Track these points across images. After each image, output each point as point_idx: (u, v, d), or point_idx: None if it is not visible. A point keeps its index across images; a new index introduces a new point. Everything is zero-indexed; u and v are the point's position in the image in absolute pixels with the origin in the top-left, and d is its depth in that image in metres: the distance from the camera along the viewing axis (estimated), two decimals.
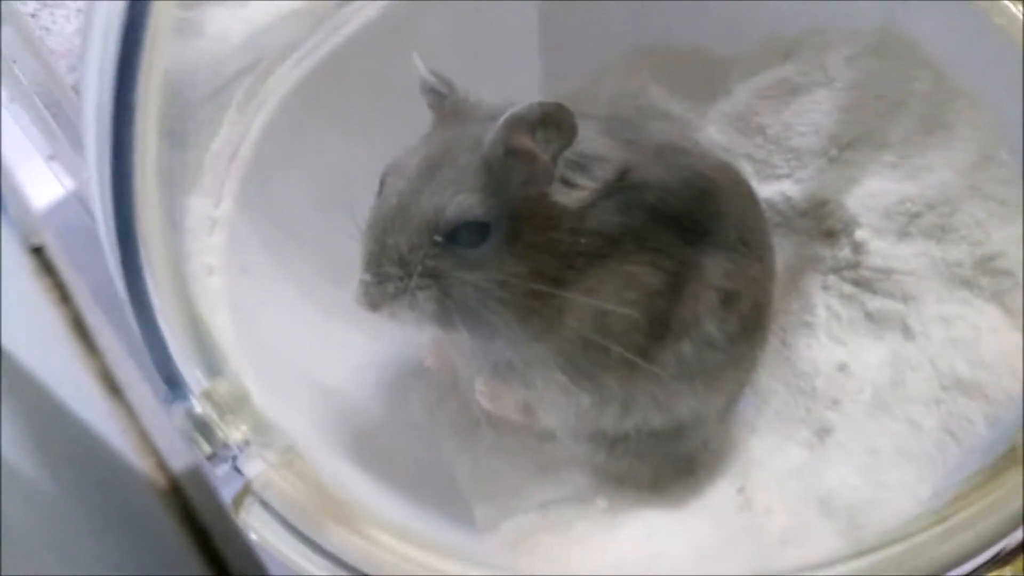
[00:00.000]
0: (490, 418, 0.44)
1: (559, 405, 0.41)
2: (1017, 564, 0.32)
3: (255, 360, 0.38)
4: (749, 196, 0.45)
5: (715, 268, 0.40)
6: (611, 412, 0.41)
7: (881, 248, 0.47)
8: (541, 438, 0.45)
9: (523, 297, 0.36)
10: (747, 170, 0.52)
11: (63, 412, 0.50)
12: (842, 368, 0.45)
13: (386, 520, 0.33)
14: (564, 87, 0.54)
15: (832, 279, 0.48)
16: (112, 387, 0.57)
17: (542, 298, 0.37)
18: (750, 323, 0.42)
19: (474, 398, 0.43)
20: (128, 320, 0.33)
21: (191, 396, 0.33)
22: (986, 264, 0.44)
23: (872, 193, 0.48)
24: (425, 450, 0.47)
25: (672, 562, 0.41)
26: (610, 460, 0.44)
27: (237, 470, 0.34)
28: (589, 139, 0.38)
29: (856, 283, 0.47)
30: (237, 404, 0.33)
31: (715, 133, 0.53)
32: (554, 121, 0.35)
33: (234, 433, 0.33)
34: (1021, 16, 0.43)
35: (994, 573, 0.31)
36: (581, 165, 0.37)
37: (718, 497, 0.43)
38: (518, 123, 0.35)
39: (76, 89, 0.53)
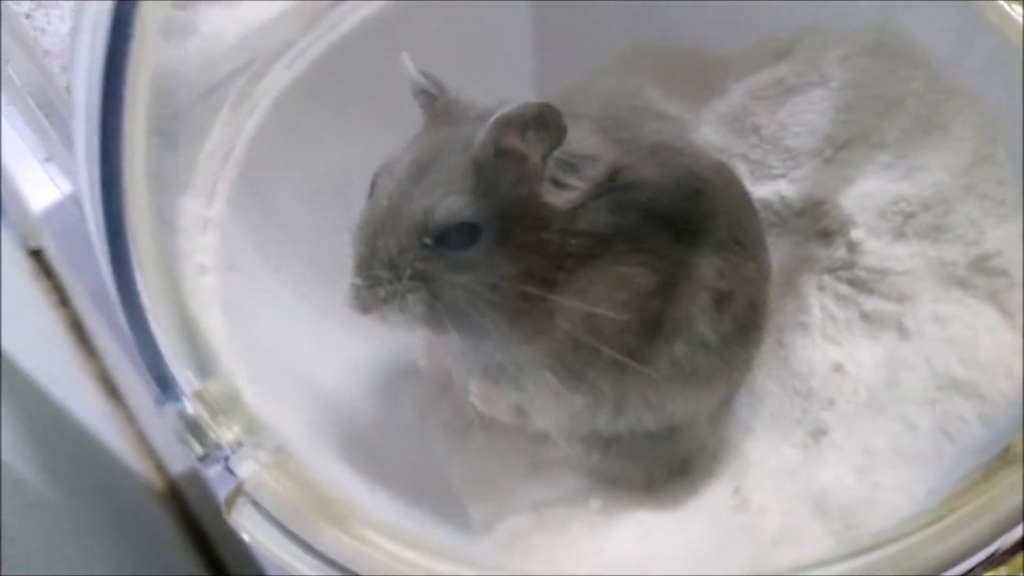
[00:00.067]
0: (483, 419, 0.44)
1: (551, 407, 0.41)
2: (1016, 564, 0.32)
3: (248, 361, 0.38)
4: (743, 196, 0.45)
5: (708, 268, 0.39)
6: (604, 413, 0.41)
7: (876, 248, 0.47)
8: (534, 439, 0.45)
9: (513, 299, 0.36)
10: (742, 170, 0.52)
11: (62, 414, 0.50)
12: (837, 368, 0.45)
13: (379, 521, 0.33)
14: (558, 87, 0.54)
15: (827, 279, 0.48)
16: (111, 389, 0.57)
17: (532, 300, 0.36)
18: (744, 324, 0.42)
19: (467, 399, 0.43)
20: (120, 321, 0.33)
21: (183, 397, 0.33)
22: (981, 264, 0.44)
23: (867, 193, 0.48)
24: (418, 451, 0.47)
25: (667, 563, 0.40)
26: (604, 461, 0.44)
27: (229, 471, 0.33)
28: (580, 139, 0.38)
29: (851, 283, 0.47)
30: (229, 404, 0.33)
31: (710, 133, 0.53)
32: (543, 121, 0.35)
33: (226, 434, 0.33)
34: (1018, 15, 0.43)
35: (990, 573, 0.31)
36: (572, 165, 0.37)
37: (713, 498, 0.43)
38: (507, 124, 0.35)
39: (70, 90, 0.53)
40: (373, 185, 0.39)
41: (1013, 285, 0.42)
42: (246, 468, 0.33)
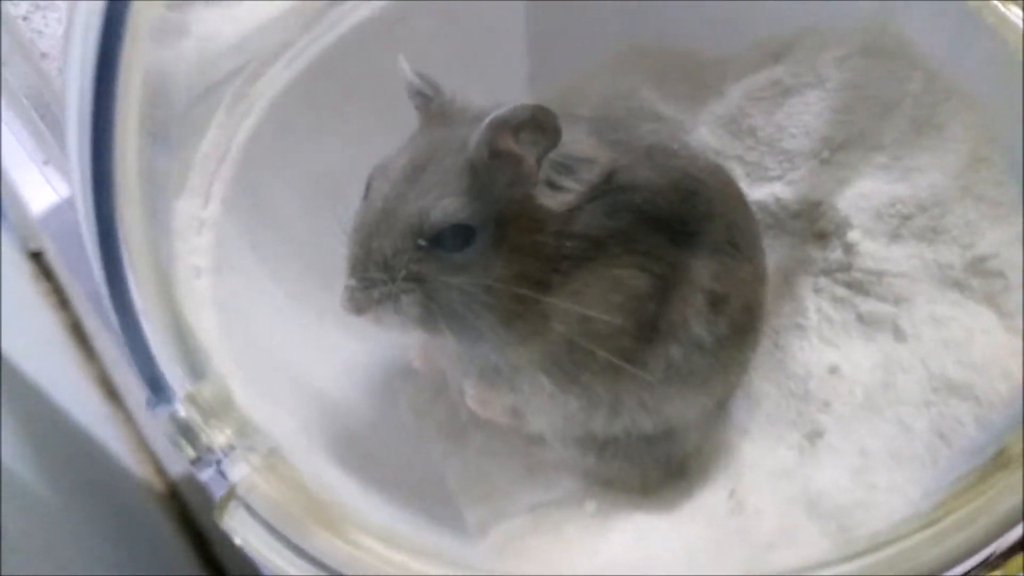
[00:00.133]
0: (478, 421, 0.44)
1: (547, 409, 0.41)
2: (1013, 566, 0.32)
3: (243, 362, 0.38)
4: (738, 198, 0.45)
5: (704, 271, 0.39)
6: (599, 416, 0.41)
7: (873, 250, 0.47)
8: (530, 441, 0.45)
9: (508, 301, 0.36)
10: (738, 172, 0.52)
11: (61, 416, 0.50)
12: (833, 370, 0.45)
13: (371, 524, 0.33)
14: (554, 87, 0.54)
15: (824, 281, 0.48)
16: (110, 391, 0.56)
17: (527, 302, 0.36)
18: (740, 326, 0.42)
19: (461, 401, 0.43)
20: (112, 323, 0.33)
21: (175, 399, 0.33)
22: (978, 266, 0.43)
23: (864, 195, 0.48)
24: (413, 453, 0.47)
25: (663, 565, 0.40)
26: (600, 463, 0.44)
27: (222, 474, 0.33)
28: (575, 141, 0.37)
29: (848, 285, 0.47)
30: (221, 407, 0.33)
31: (707, 135, 0.53)
32: (538, 123, 0.35)
33: (218, 437, 0.33)
34: (1015, 17, 0.43)
35: None
36: (567, 167, 0.37)
37: (709, 500, 0.43)
38: (502, 125, 0.35)
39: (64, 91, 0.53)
40: (368, 186, 0.39)
41: (1009, 287, 0.42)
42: (238, 471, 0.33)
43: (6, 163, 0.55)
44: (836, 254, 0.48)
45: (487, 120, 0.35)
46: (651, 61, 0.55)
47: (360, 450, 0.42)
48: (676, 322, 0.39)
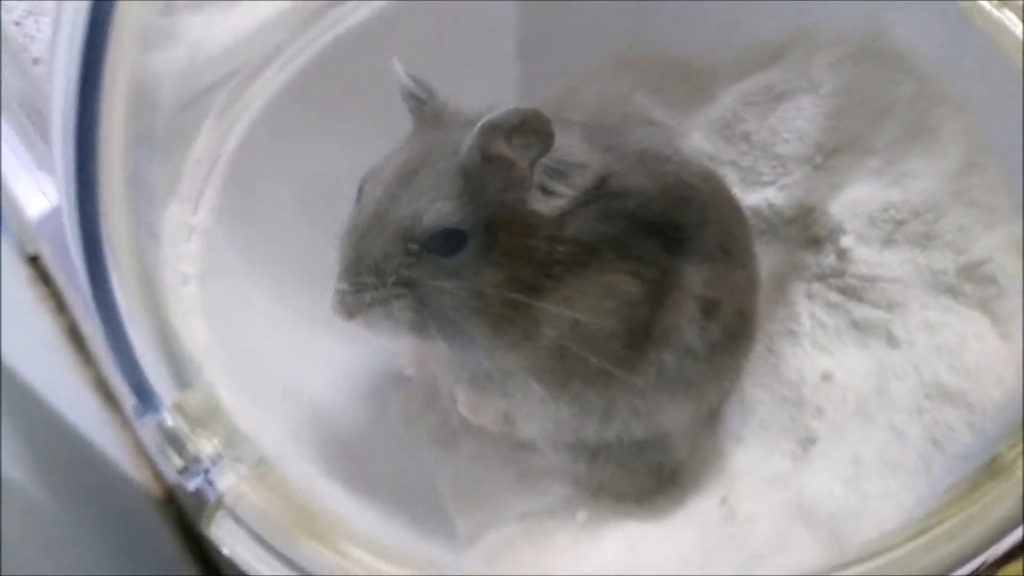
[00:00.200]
0: (470, 427, 0.44)
1: (538, 415, 0.41)
2: (1015, 569, 0.31)
3: (232, 370, 0.38)
4: (731, 204, 0.44)
5: (696, 277, 0.39)
6: (591, 422, 0.41)
7: (866, 255, 0.46)
8: (522, 447, 0.45)
9: (500, 306, 0.36)
10: (732, 177, 0.51)
11: (59, 421, 0.49)
12: (827, 377, 0.45)
13: (360, 533, 0.33)
14: (547, 91, 0.54)
15: (817, 287, 0.48)
16: (108, 396, 0.56)
17: (519, 307, 0.36)
18: (733, 332, 0.42)
19: (454, 407, 0.43)
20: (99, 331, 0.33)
21: (162, 408, 0.33)
22: (971, 271, 0.43)
23: (857, 200, 0.48)
24: (404, 460, 0.47)
25: (654, 572, 0.40)
26: (592, 470, 0.43)
27: (210, 483, 0.33)
28: (568, 146, 0.37)
29: (841, 291, 0.47)
30: (208, 416, 0.33)
31: (700, 140, 0.53)
32: (531, 128, 0.35)
33: (205, 446, 0.33)
34: (1008, 20, 0.43)
35: None
36: (559, 172, 0.37)
37: (701, 507, 0.43)
38: (494, 129, 0.35)
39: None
40: (360, 190, 0.39)
41: (1003, 293, 0.42)
42: (226, 481, 0.32)
43: (4, 166, 0.55)
44: (829, 260, 0.48)
45: (479, 124, 0.35)
46: (645, 66, 0.55)
47: (350, 458, 0.42)
48: (668, 328, 0.39)
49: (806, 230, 0.49)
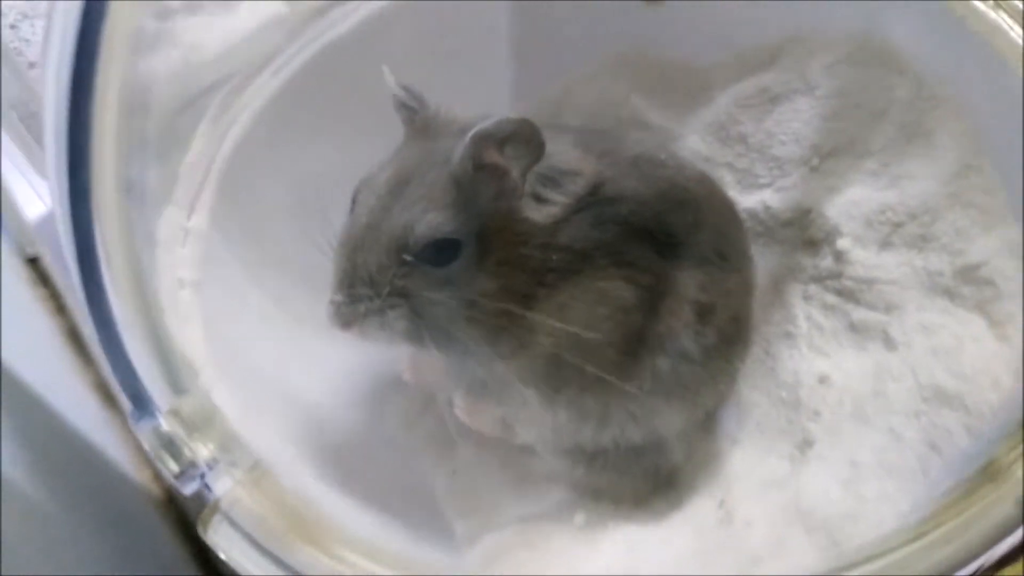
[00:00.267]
0: (466, 432, 0.44)
1: (535, 420, 0.41)
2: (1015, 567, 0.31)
3: (230, 375, 0.38)
4: (727, 207, 0.44)
5: (690, 281, 0.39)
6: (588, 427, 0.41)
7: (863, 258, 0.46)
8: (520, 452, 0.45)
9: (494, 315, 0.36)
10: (728, 179, 0.51)
11: (59, 422, 0.49)
12: (823, 379, 0.45)
13: (356, 538, 0.33)
14: (542, 96, 0.54)
15: (814, 289, 0.48)
16: (107, 397, 0.56)
17: (513, 316, 0.36)
18: (728, 336, 0.42)
19: (450, 413, 0.43)
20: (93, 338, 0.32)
21: (158, 414, 0.32)
22: (968, 273, 0.43)
23: (854, 202, 0.47)
24: (402, 465, 0.47)
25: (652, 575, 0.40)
26: (589, 474, 0.43)
27: (207, 488, 0.33)
28: (561, 152, 0.37)
29: (838, 293, 0.47)
30: (204, 421, 0.33)
31: (697, 142, 0.53)
32: (522, 137, 0.35)
33: (201, 451, 0.33)
34: (1003, 21, 0.43)
35: None
36: (552, 179, 0.37)
37: (698, 510, 0.43)
38: (485, 139, 0.35)
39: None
40: (354, 200, 0.39)
41: (999, 295, 0.42)
42: (222, 485, 0.32)
43: (3, 168, 0.55)
44: (826, 262, 0.48)
45: (471, 133, 0.35)
46: (641, 69, 0.55)
47: (347, 461, 0.42)
48: (663, 333, 0.39)
49: (803, 232, 0.49)
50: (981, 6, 0.43)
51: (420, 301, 0.36)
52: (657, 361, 0.39)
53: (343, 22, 0.49)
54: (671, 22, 0.53)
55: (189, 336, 0.38)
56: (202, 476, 0.33)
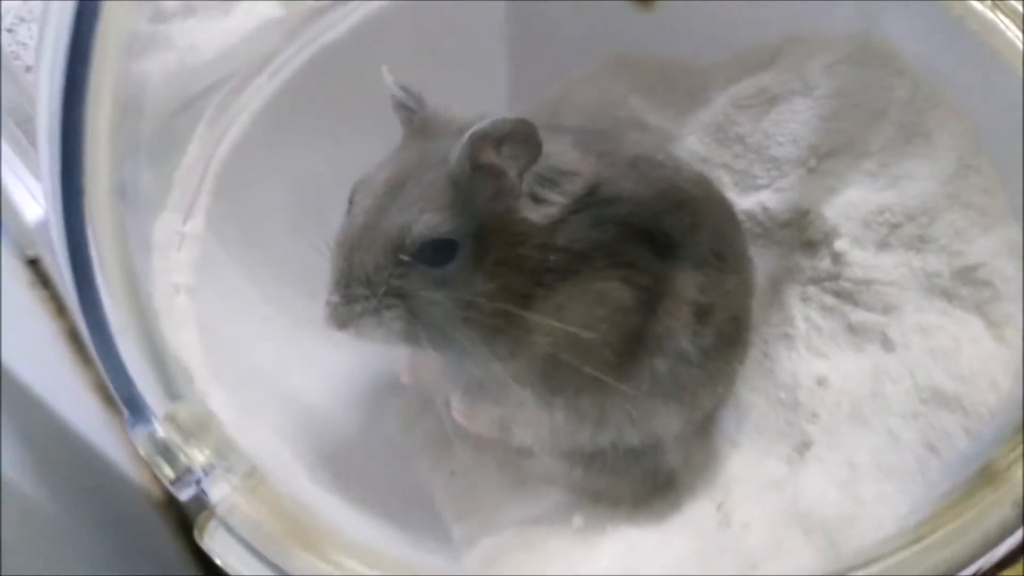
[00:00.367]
0: (466, 434, 0.44)
1: (533, 422, 0.41)
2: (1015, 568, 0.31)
3: (226, 379, 0.38)
4: (725, 208, 0.44)
5: (689, 282, 0.39)
6: (586, 429, 0.41)
7: (861, 259, 0.46)
8: (518, 454, 0.45)
9: (491, 316, 0.36)
10: (726, 180, 0.51)
11: (59, 423, 0.49)
12: (822, 381, 0.45)
13: (353, 543, 0.33)
14: (540, 96, 0.54)
15: (812, 290, 0.48)
16: (108, 398, 0.56)
17: (510, 316, 0.36)
18: (726, 337, 0.41)
19: (449, 414, 0.43)
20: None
21: (153, 419, 0.32)
22: (966, 274, 0.43)
23: (852, 203, 0.47)
24: (400, 467, 0.47)
25: None
26: (587, 476, 0.43)
27: (203, 493, 0.33)
28: (559, 153, 0.37)
29: (836, 294, 0.47)
30: (200, 427, 0.33)
31: (695, 143, 0.53)
32: (519, 136, 0.35)
33: (197, 457, 0.32)
34: (1000, 22, 0.43)
35: None
36: (550, 180, 0.37)
37: (697, 512, 0.43)
38: (483, 139, 0.35)
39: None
40: (351, 200, 0.39)
41: (998, 296, 0.42)
42: (218, 491, 0.32)
43: (3, 170, 0.55)
44: (824, 263, 0.47)
45: (468, 134, 0.35)
46: (639, 70, 0.55)
47: (344, 464, 0.42)
48: (661, 335, 0.39)
49: (801, 233, 0.49)
50: (979, 6, 0.43)
51: (417, 301, 0.36)
52: (655, 362, 0.39)
53: (341, 23, 0.49)
54: (670, 22, 0.53)
55: (185, 341, 0.38)
56: (198, 482, 0.33)
